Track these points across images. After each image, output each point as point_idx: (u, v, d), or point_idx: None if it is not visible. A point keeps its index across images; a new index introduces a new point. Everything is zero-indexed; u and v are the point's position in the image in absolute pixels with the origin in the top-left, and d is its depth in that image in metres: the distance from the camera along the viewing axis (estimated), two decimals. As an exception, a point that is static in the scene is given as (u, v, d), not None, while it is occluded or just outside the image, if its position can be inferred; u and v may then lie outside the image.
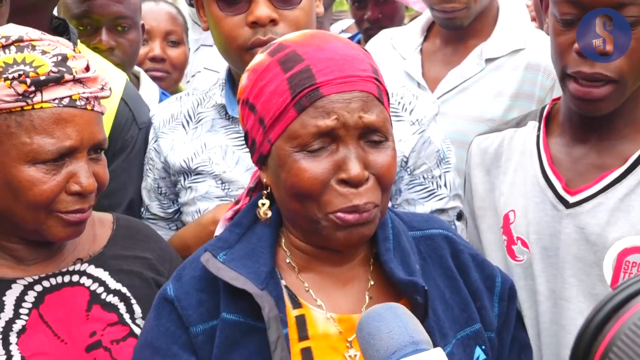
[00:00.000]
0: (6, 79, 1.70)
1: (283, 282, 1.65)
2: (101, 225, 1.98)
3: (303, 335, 1.62)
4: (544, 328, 1.99)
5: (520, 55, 2.84)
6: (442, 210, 2.19)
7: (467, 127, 2.80)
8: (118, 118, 2.34)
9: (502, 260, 2.05)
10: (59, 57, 1.75)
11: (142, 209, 2.39)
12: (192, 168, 2.22)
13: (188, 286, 1.66)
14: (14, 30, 1.77)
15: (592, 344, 1.00)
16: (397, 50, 3.02)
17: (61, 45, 1.80)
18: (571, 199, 1.97)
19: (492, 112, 2.79)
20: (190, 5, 2.92)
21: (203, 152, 2.22)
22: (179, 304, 1.64)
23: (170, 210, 2.35)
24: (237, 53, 2.11)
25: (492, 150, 2.15)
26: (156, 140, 2.30)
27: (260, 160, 1.65)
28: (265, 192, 1.69)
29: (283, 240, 1.70)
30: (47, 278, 1.85)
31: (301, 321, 1.63)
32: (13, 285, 1.83)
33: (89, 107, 1.77)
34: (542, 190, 2.00)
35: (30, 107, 1.72)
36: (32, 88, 1.70)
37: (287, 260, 1.68)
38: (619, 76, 1.88)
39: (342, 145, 1.56)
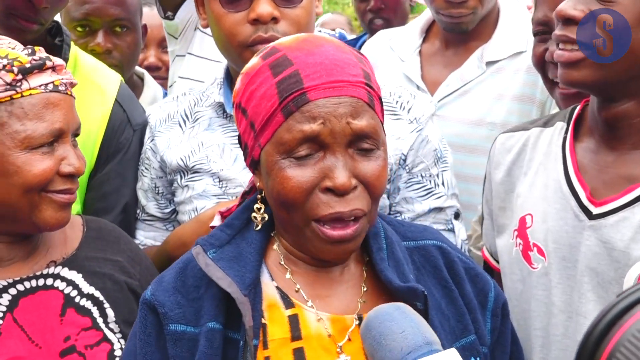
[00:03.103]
0: None
1: (274, 284, 1.65)
2: (71, 227, 1.98)
3: (296, 335, 1.60)
4: (555, 341, 1.94)
5: (521, 57, 2.84)
6: (440, 209, 2.19)
7: (467, 130, 2.80)
8: (112, 120, 2.35)
9: (514, 265, 2.01)
10: (29, 49, 1.84)
11: (138, 211, 2.39)
12: (189, 166, 2.23)
13: (168, 286, 1.65)
14: None
15: (595, 351, 1.00)
16: (395, 52, 3.02)
17: (17, 44, 1.88)
18: (595, 210, 1.87)
19: (492, 116, 2.79)
20: (165, 18, 2.98)
21: (200, 150, 2.23)
22: (156, 301, 1.62)
23: (167, 210, 2.35)
24: (237, 50, 2.12)
25: (516, 150, 2.09)
26: (152, 139, 2.31)
27: (253, 165, 1.66)
28: (259, 196, 1.68)
29: (276, 243, 1.69)
30: (21, 281, 1.87)
31: (294, 321, 1.62)
32: None
33: (68, 92, 1.86)
34: (565, 197, 1.92)
35: (19, 95, 1.79)
36: (20, 76, 1.78)
37: (280, 262, 1.67)
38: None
39: (329, 153, 1.55)
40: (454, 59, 2.91)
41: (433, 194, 2.18)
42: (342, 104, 1.54)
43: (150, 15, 3.49)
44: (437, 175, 2.19)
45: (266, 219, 1.67)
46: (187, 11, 3.00)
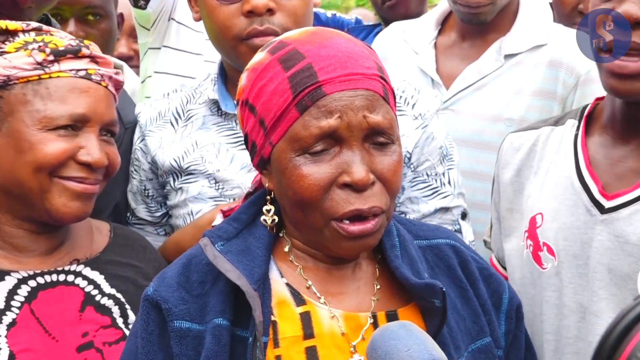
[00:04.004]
0: (26, 49, 1.83)
1: (284, 280, 1.61)
2: (99, 232, 2.02)
3: (308, 333, 1.57)
4: (568, 344, 1.91)
5: (541, 51, 2.75)
6: (446, 209, 2.15)
7: (483, 126, 2.73)
8: None
9: (525, 268, 1.99)
10: (76, 41, 1.90)
11: (128, 214, 2.35)
12: (183, 167, 2.17)
13: (171, 282, 1.61)
14: (34, 23, 1.93)
15: (612, 354, 1.01)
16: (409, 44, 2.93)
17: (75, 38, 1.93)
18: (607, 204, 1.86)
19: (510, 111, 2.72)
20: (136, 6, 2.89)
21: (194, 151, 2.17)
22: (159, 297, 1.59)
23: (158, 214, 2.30)
24: (231, 44, 2.06)
25: (526, 149, 2.07)
26: (142, 139, 2.25)
27: (261, 164, 1.62)
28: (268, 197, 1.64)
29: (287, 245, 1.65)
30: (42, 275, 1.88)
31: (306, 318, 1.58)
32: (7, 277, 1.85)
33: (103, 84, 1.89)
34: (576, 192, 1.91)
35: (47, 76, 1.83)
36: (51, 57, 1.83)
37: (290, 259, 1.64)
38: None
39: (345, 147, 1.52)
40: (471, 51, 2.83)
41: (439, 194, 2.14)
42: (359, 97, 1.52)
43: (121, 4, 3.40)
44: (443, 174, 2.15)
45: (276, 220, 1.64)
46: (161, 0, 2.93)
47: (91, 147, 1.84)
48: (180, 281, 1.61)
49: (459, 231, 2.16)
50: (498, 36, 2.81)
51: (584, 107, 2.03)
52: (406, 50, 2.92)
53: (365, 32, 4.07)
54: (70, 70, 1.85)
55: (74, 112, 1.83)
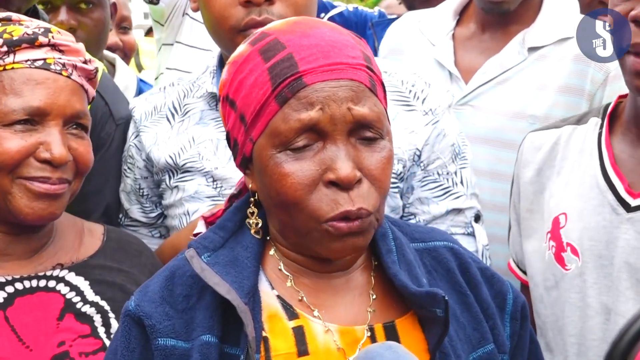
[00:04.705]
0: None
1: (275, 292, 1.56)
2: (90, 235, 1.97)
3: (302, 350, 1.51)
4: (593, 346, 1.91)
5: (567, 44, 2.66)
6: (458, 210, 2.11)
7: (505, 123, 2.64)
8: (92, 113, 2.23)
9: (547, 270, 1.99)
10: (41, 30, 1.82)
11: (121, 215, 2.30)
12: (179, 165, 2.13)
13: (154, 296, 1.56)
14: (6, 13, 1.88)
15: (628, 351, 1.02)
16: (425, 36, 2.85)
17: (49, 26, 1.87)
18: (634, 202, 1.88)
19: (534, 108, 2.63)
20: (149, 2, 2.95)
21: (191, 147, 2.13)
22: (142, 312, 1.53)
23: (152, 215, 2.25)
24: (229, 35, 2.02)
25: (547, 148, 2.07)
26: (137, 136, 2.21)
27: (244, 164, 1.57)
28: (252, 199, 1.59)
29: (272, 249, 1.60)
30: (21, 280, 1.84)
31: (300, 333, 1.53)
32: None
33: (64, 73, 1.82)
34: (602, 191, 1.92)
35: (1, 69, 1.78)
36: (5, 48, 1.78)
37: (279, 268, 1.58)
38: None
39: (329, 142, 1.47)
40: (492, 44, 2.74)
41: (451, 194, 2.10)
42: (342, 88, 1.46)
43: None
44: (455, 173, 2.10)
45: (260, 224, 1.59)
46: None
47: (53, 144, 1.78)
48: (164, 295, 1.55)
49: (472, 234, 2.12)
50: (521, 28, 2.72)
51: (607, 105, 2.04)
52: (422, 41, 2.85)
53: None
54: (26, 60, 1.78)
55: (28, 106, 1.76)
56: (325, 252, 1.52)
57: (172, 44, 3.01)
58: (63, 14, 2.82)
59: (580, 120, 2.06)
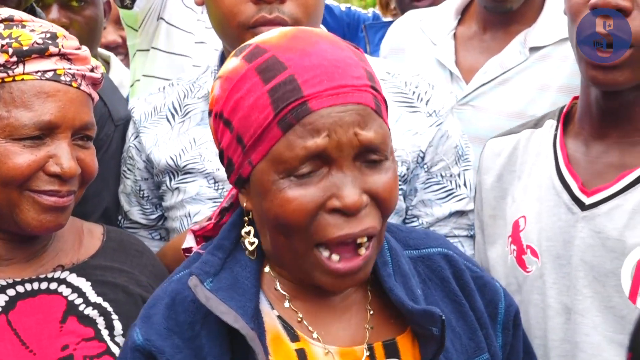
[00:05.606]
0: None
1: (275, 312, 1.55)
2: (90, 236, 1.96)
3: None
4: (554, 347, 1.91)
5: (569, 44, 2.58)
6: (461, 213, 2.12)
7: (506, 124, 2.59)
8: None
9: (510, 275, 1.99)
10: (48, 35, 1.79)
11: (120, 217, 2.29)
12: (180, 166, 2.11)
13: (160, 327, 1.53)
14: (5, 11, 1.83)
15: None
16: (426, 35, 2.84)
17: (54, 27, 1.84)
18: (587, 200, 1.89)
19: (535, 108, 2.61)
20: (123, 7, 2.84)
21: (192, 148, 2.11)
22: (154, 347, 1.50)
23: (153, 217, 2.24)
24: (237, 32, 1.99)
25: (507, 154, 2.08)
26: (137, 137, 2.19)
27: (239, 183, 1.53)
28: (247, 217, 1.56)
29: (267, 266, 1.59)
30: (22, 283, 1.83)
31: (302, 356, 1.52)
32: None
33: (74, 85, 1.80)
34: (557, 192, 1.94)
35: (10, 79, 1.75)
36: (14, 59, 1.74)
37: (275, 287, 1.57)
38: (638, 40, 1.79)
39: (335, 168, 1.44)
40: (493, 43, 2.74)
41: (454, 196, 2.10)
42: (349, 112, 1.43)
43: None
44: (459, 175, 2.11)
45: (256, 244, 1.56)
46: None
47: (62, 157, 1.76)
48: (170, 325, 1.52)
49: (475, 237, 2.12)
50: (522, 27, 2.72)
51: (562, 107, 2.06)
52: (423, 40, 2.84)
53: (385, 30, 3.92)
54: (36, 72, 1.76)
55: (40, 120, 1.74)
56: (318, 283, 1.50)
57: (147, 50, 2.95)
58: (55, 12, 2.79)
59: (537, 124, 2.08)
